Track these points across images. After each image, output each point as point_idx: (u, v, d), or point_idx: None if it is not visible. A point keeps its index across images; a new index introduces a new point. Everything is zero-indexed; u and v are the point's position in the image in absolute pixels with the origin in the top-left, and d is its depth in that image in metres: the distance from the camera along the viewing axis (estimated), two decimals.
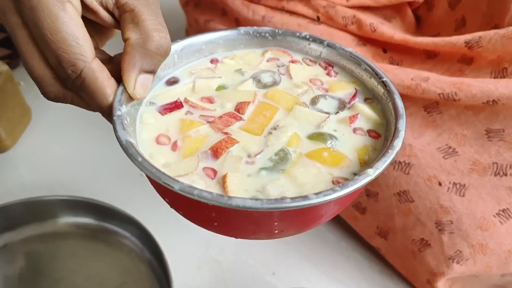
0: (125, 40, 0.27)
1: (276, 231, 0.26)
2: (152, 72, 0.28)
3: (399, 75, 0.48)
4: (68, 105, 0.29)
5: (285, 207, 0.22)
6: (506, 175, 0.43)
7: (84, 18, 0.26)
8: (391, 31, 0.52)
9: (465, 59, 0.49)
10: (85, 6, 0.26)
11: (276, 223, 0.25)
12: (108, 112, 0.27)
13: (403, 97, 0.49)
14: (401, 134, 0.27)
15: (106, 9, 0.27)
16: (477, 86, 0.43)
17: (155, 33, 0.26)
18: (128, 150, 0.25)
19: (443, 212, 0.45)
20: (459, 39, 0.47)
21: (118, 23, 0.27)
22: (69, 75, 0.25)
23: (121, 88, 0.28)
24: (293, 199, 0.23)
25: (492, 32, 0.45)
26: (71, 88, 0.27)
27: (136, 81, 0.27)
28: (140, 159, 0.24)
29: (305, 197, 0.23)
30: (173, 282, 0.51)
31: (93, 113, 0.30)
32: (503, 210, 0.44)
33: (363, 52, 0.53)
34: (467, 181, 0.45)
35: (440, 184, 0.45)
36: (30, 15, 0.24)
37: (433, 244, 0.47)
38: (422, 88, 0.46)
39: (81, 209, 0.58)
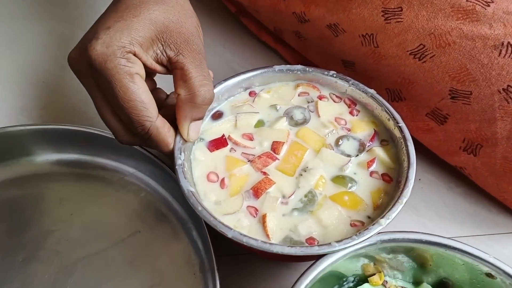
0: (177, 94, 0.33)
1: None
2: (200, 118, 0.35)
3: None
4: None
5: (314, 253, 0.30)
6: None
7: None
8: None
9: None
10: (146, 67, 0.32)
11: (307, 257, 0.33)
12: (169, 155, 0.35)
13: None
14: (411, 183, 0.32)
15: (161, 64, 0.33)
16: None
17: (201, 89, 0.33)
18: (190, 200, 0.32)
19: None
20: None
21: (170, 71, 0.34)
22: (139, 132, 0.32)
23: (178, 137, 0.35)
24: (320, 246, 0.30)
25: None
26: (140, 139, 0.34)
27: (189, 128, 0.35)
28: (200, 208, 0.32)
29: (329, 245, 0.30)
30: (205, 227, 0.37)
31: None
32: None
33: None
34: None
35: None
36: (104, 85, 0.30)
37: None
38: None
39: (64, 141, 0.43)
